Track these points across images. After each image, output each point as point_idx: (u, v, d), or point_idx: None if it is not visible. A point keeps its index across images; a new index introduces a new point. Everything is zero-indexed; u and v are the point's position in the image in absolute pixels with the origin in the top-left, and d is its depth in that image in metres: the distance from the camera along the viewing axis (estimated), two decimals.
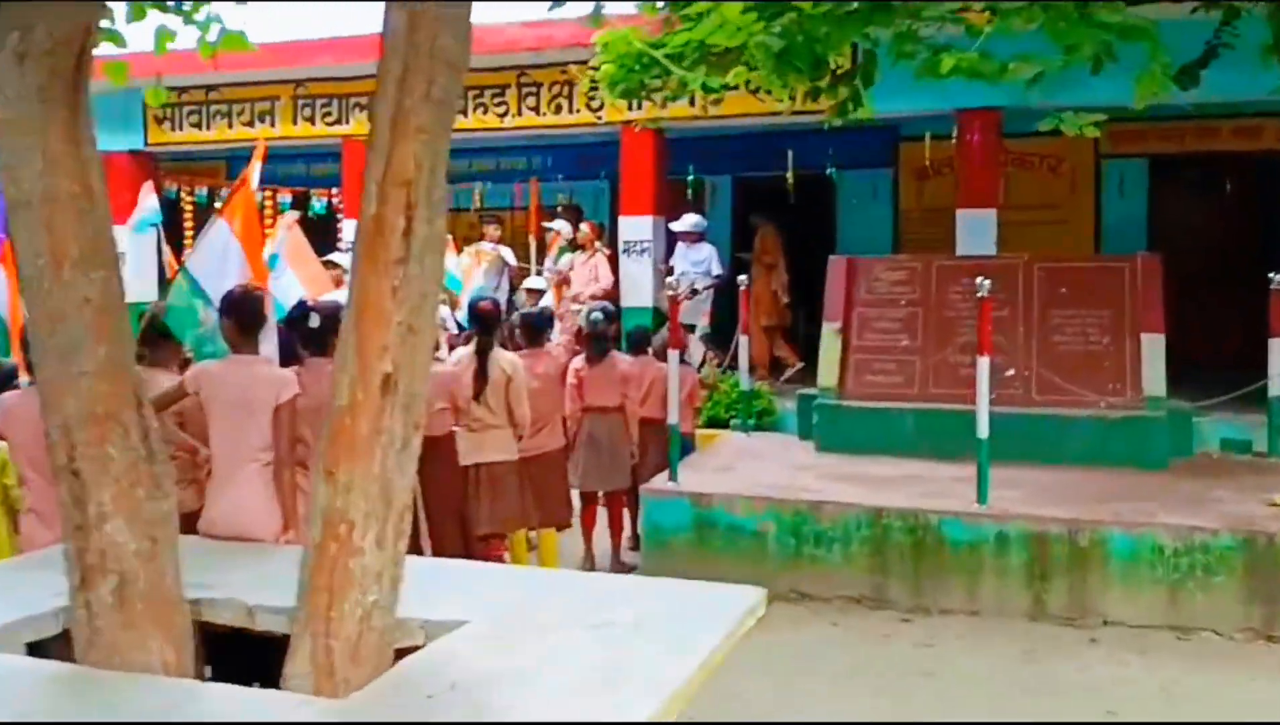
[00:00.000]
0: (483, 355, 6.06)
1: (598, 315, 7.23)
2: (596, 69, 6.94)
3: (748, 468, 7.56)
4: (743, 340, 8.85)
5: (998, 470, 6.54)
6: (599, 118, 11.27)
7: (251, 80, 12.29)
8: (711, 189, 14.49)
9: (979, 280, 6.39)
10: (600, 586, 4.19)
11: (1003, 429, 6.72)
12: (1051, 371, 7.69)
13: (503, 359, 6.07)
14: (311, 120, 12.31)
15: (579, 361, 7.24)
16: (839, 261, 8.53)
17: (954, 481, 6.89)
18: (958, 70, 5.42)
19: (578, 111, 11.38)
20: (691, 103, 10.91)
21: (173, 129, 12.83)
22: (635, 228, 11.39)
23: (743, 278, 9.01)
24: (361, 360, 2.85)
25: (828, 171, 12.49)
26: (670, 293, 6.99)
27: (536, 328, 6.68)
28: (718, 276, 11.34)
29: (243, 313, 4.50)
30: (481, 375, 6.03)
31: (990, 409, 6.45)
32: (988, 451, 6.39)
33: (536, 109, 11.57)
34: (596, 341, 7.18)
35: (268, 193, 13.05)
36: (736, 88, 6.93)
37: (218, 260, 5.96)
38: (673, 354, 6.96)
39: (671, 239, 11.56)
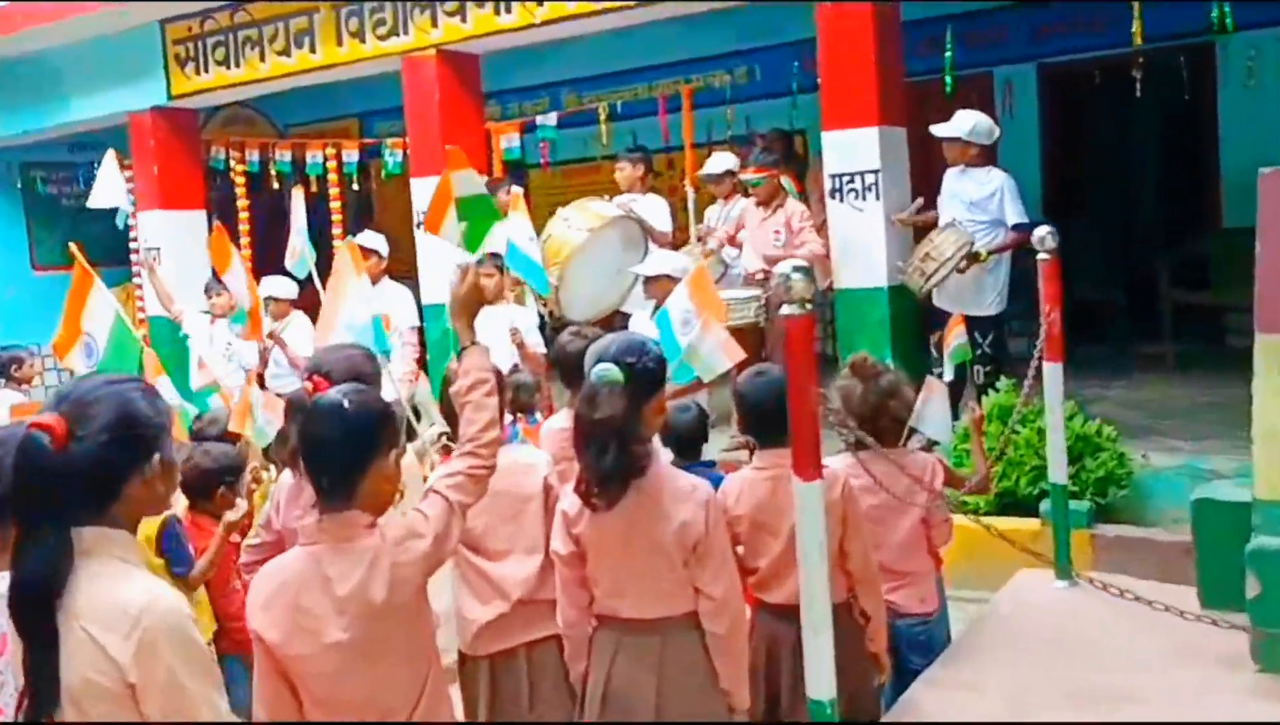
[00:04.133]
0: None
1: (608, 370, 2.57)
2: None
3: None
4: (1049, 370, 3.86)
5: None
6: None
7: None
8: (1006, 86, 9.56)
9: None
10: None
11: None
12: None
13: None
14: (360, 36, 8.18)
15: (570, 501, 2.63)
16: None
17: None
18: None
19: None
20: None
21: (198, 71, 9.05)
22: (849, 150, 6.42)
23: (1042, 232, 4.01)
24: None
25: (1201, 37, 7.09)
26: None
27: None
28: (1016, 228, 6.30)
29: None
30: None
31: None
32: None
33: None
34: (598, 446, 2.52)
35: (330, 151, 9.17)
36: None
37: None
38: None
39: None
